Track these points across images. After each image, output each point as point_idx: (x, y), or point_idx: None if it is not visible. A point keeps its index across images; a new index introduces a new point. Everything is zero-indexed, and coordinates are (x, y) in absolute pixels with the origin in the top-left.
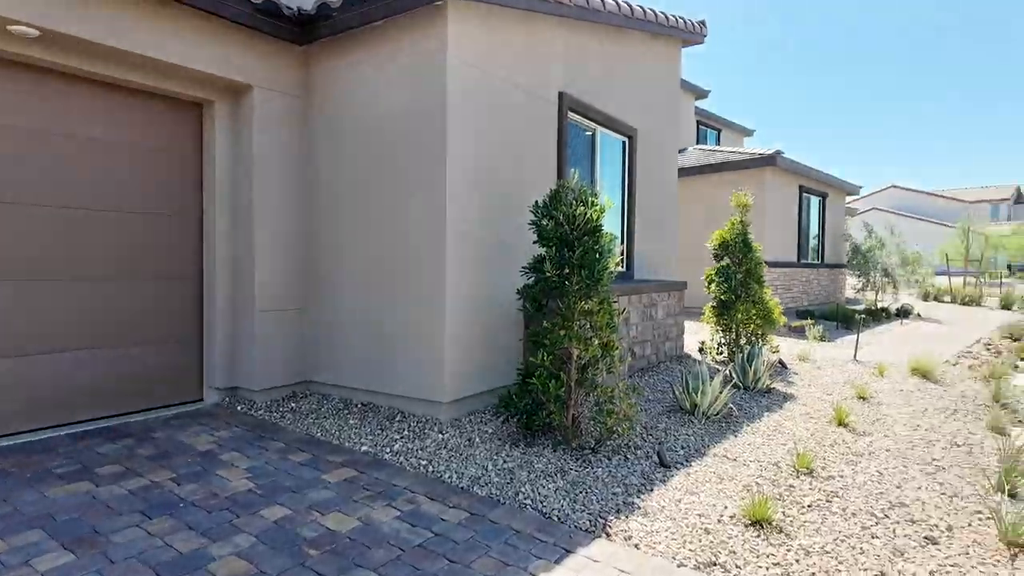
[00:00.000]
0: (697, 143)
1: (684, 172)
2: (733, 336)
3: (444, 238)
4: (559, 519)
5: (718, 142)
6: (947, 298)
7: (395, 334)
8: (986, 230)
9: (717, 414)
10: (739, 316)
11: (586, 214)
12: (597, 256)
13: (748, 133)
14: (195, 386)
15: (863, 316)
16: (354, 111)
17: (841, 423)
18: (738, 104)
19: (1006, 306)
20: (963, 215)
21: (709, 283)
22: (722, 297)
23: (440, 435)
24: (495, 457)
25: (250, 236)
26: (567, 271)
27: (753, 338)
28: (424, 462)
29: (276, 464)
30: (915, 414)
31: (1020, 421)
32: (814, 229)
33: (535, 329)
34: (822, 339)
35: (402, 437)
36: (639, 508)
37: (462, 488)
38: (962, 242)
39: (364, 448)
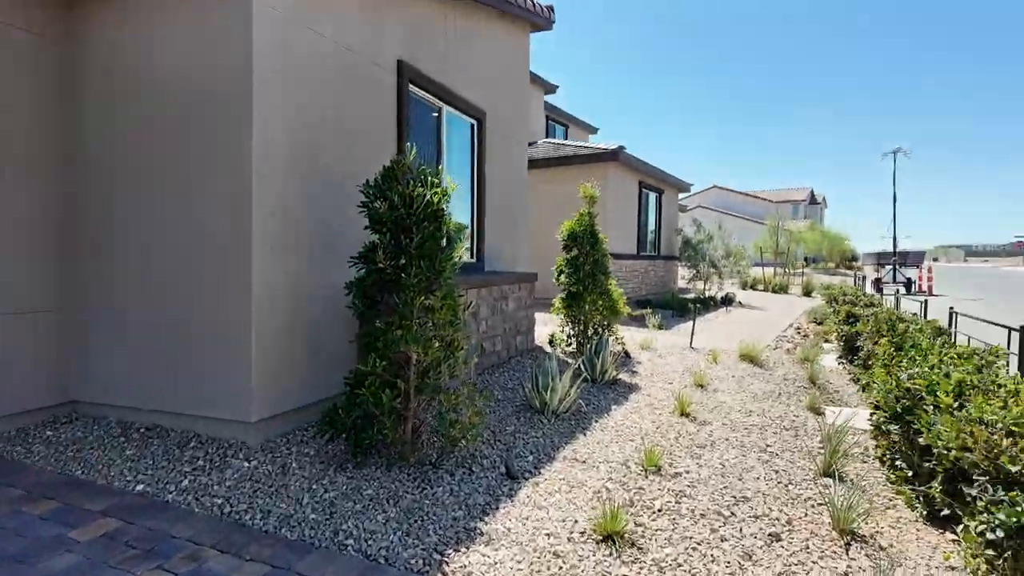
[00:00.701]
0: (546, 137)
1: (535, 164)
2: (582, 327)
3: (250, 222)
4: (387, 560)
5: (566, 138)
6: (761, 287)
7: (190, 340)
8: (789, 226)
9: (567, 411)
10: (587, 307)
11: (426, 196)
12: (439, 244)
13: (593, 131)
14: None
15: (696, 305)
16: (137, 69)
17: (684, 413)
18: (583, 102)
19: (807, 293)
20: (771, 213)
21: (559, 274)
22: (571, 288)
23: (246, 463)
24: (314, 487)
25: None
26: (404, 261)
27: (600, 328)
28: (220, 500)
29: (3, 521)
30: (747, 399)
31: (831, 401)
32: (652, 223)
33: (367, 330)
34: (660, 327)
35: (195, 469)
36: (482, 535)
37: (266, 532)
38: (771, 237)
39: (139, 488)
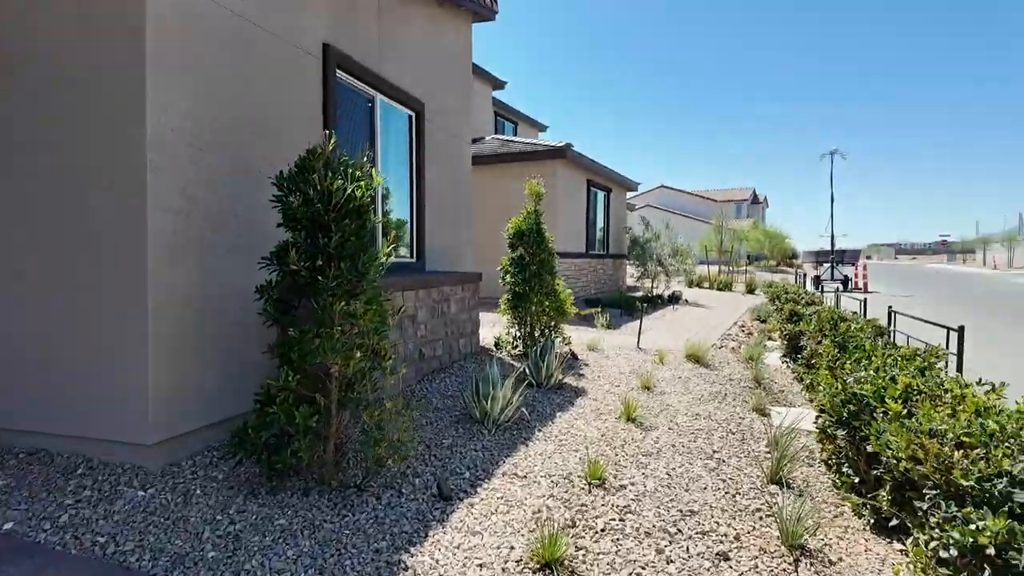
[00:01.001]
0: (495, 133)
1: (481, 160)
2: (528, 329)
3: (144, 220)
4: None
5: (515, 134)
6: (707, 284)
7: (77, 351)
8: (732, 225)
9: (508, 420)
10: (533, 308)
11: (346, 190)
12: (363, 244)
13: (542, 128)
14: None
15: (644, 304)
16: (11, 34)
17: (630, 418)
18: (533, 100)
19: (750, 290)
20: (716, 212)
21: (504, 274)
22: (517, 289)
23: (141, 492)
24: (218, 517)
25: None
26: (321, 263)
27: (547, 330)
28: (104, 538)
29: None
30: (694, 401)
31: (777, 401)
32: (600, 222)
33: (281, 340)
34: (609, 327)
35: (78, 501)
36: (406, 569)
37: None
38: (716, 236)
39: (7, 526)
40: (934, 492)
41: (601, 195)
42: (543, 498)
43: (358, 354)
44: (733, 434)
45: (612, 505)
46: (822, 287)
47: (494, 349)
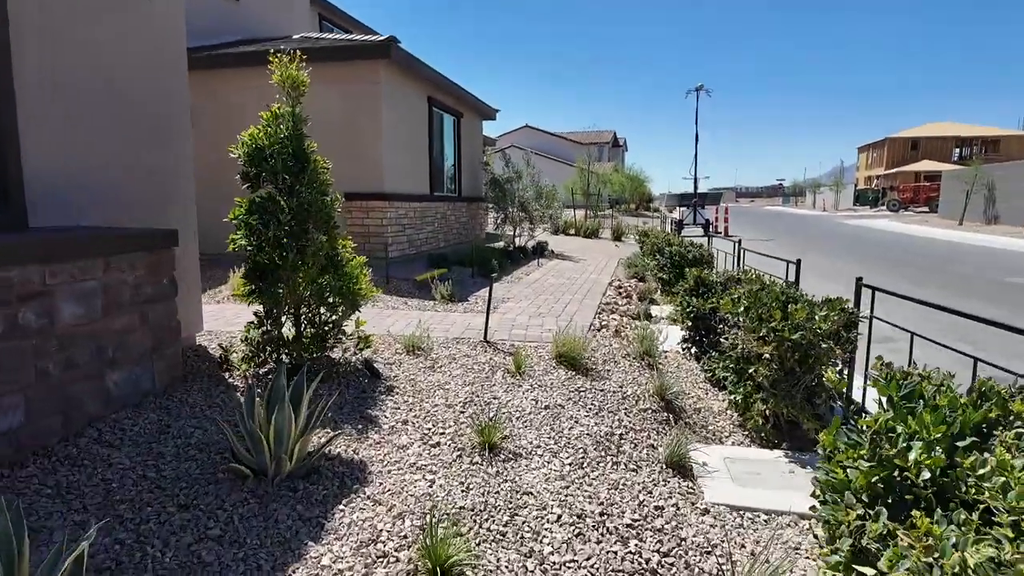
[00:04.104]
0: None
1: (257, 59)
2: (284, 328)
3: None
4: None
5: None
6: (573, 231)
7: None
8: (596, 169)
9: None
10: (299, 290)
11: None
12: None
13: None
14: None
15: (504, 261)
16: None
17: (440, 568)
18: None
19: (618, 237)
20: (580, 155)
21: (238, 230)
22: (260, 258)
23: None
24: None
25: None
26: None
27: (327, 326)
28: None
29: None
30: (570, 467)
31: (698, 429)
32: (450, 155)
33: None
34: (452, 298)
35: None
36: None
37: None
38: (581, 179)
39: None
40: None
41: (449, 120)
42: None
43: None
44: (649, 562)
45: None
46: (681, 231)
47: (228, 365)
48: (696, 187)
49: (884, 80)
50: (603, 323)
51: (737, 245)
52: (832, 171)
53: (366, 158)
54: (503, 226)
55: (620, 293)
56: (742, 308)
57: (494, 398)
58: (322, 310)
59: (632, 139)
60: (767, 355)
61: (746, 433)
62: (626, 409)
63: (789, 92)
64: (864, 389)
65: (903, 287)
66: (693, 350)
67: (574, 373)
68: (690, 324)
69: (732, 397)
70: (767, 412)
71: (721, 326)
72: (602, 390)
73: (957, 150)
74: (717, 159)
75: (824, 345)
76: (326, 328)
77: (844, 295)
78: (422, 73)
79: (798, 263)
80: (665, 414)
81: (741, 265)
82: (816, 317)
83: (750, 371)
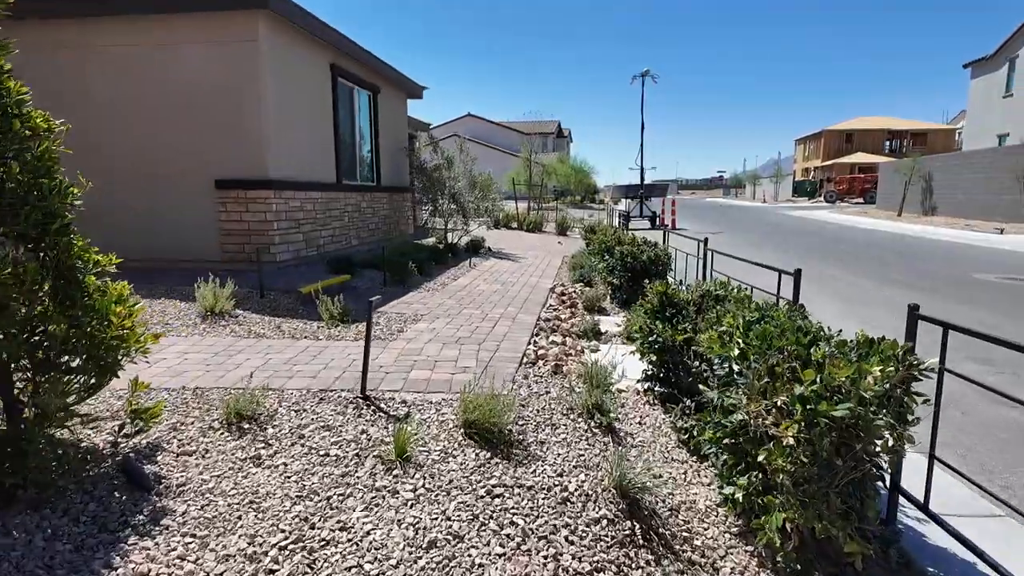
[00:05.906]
0: None
1: (103, 9)
2: None
3: None
4: None
5: None
6: (515, 224)
7: None
8: (541, 159)
9: None
10: None
11: None
12: None
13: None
14: None
15: (429, 262)
16: None
17: None
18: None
19: (562, 231)
20: (524, 144)
21: None
22: None
23: None
24: None
25: None
26: None
27: (54, 414)
28: None
29: None
30: None
31: (690, 563)
32: (366, 138)
33: None
34: (342, 318)
35: None
36: None
37: None
38: (525, 169)
39: None
40: None
41: (363, 96)
42: None
43: None
44: None
45: None
46: (628, 224)
47: None
48: (643, 178)
49: (818, 75)
50: (540, 351)
51: (703, 245)
52: (770, 163)
53: (245, 136)
54: (434, 218)
55: (564, 302)
56: (736, 352)
57: (342, 529)
58: (28, 389)
59: (577, 131)
60: (789, 439)
61: (751, 551)
62: (569, 528)
63: (730, 80)
64: (929, 472)
65: (866, 285)
66: (658, 389)
67: (490, 455)
68: (654, 359)
69: (727, 492)
70: (789, 527)
71: (699, 364)
72: (531, 488)
73: (888, 142)
74: (661, 151)
75: (880, 420)
76: (55, 415)
77: (814, 299)
78: (321, 34)
79: (797, 274)
80: (628, 529)
81: (709, 271)
82: (864, 375)
83: (758, 457)
